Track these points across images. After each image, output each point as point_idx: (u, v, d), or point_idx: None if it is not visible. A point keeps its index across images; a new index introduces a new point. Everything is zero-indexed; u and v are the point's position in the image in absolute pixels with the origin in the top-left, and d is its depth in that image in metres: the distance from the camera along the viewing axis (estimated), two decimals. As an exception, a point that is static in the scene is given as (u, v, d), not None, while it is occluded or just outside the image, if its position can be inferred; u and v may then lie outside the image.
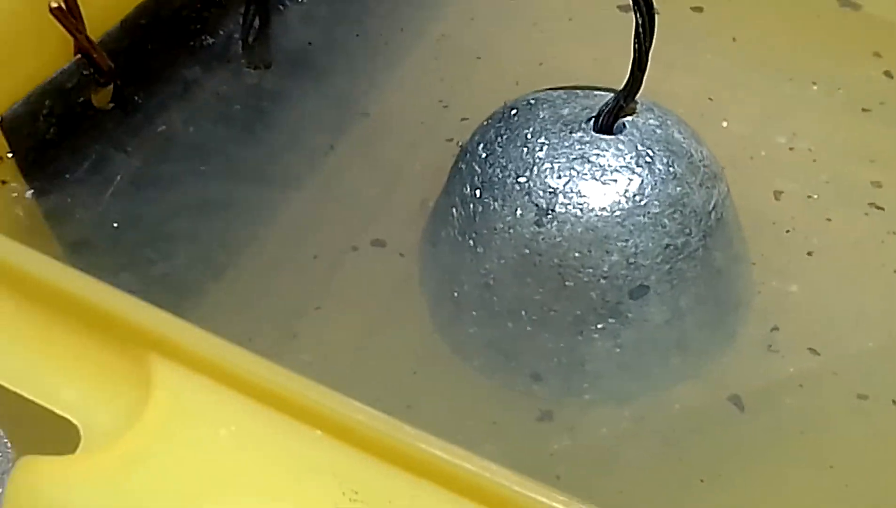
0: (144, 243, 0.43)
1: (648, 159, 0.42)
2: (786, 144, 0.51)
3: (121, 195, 0.44)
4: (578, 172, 0.41)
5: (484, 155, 0.44)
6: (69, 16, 0.42)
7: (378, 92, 0.52)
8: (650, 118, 0.44)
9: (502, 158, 0.43)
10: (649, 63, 0.40)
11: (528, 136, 0.43)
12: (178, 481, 0.29)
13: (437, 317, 0.45)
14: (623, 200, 0.41)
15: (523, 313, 0.43)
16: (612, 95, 0.45)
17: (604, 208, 0.41)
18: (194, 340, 0.30)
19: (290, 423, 0.30)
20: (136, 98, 0.47)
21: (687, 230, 0.42)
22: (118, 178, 0.44)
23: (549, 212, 0.41)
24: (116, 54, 0.45)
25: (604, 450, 0.41)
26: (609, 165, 0.41)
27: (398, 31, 0.55)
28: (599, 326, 0.42)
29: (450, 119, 0.51)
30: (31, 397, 0.31)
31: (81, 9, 0.43)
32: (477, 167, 0.44)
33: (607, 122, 0.43)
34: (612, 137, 0.42)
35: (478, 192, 0.43)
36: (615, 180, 0.41)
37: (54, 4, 0.41)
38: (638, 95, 0.42)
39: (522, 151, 0.43)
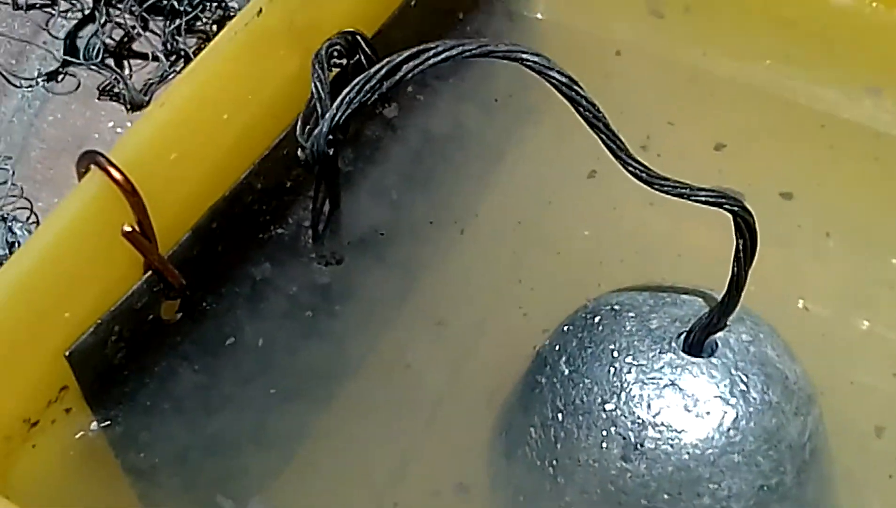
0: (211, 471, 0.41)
1: (743, 388, 0.39)
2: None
3: (188, 418, 0.42)
4: (669, 403, 0.39)
5: (567, 371, 0.42)
6: (142, 238, 0.40)
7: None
8: (742, 333, 0.41)
9: (587, 377, 0.41)
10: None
11: (615, 353, 0.41)
12: None
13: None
14: (717, 435, 0.39)
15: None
16: (700, 299, 0.42)
17: (696, 445, 0.38)
18: None
19: None
20: (205, 303, 0.45)
21: (781, 468, 0.39)
22: (185, 401, 0.42)
23: (638, 447, 0.39)
24: (186, 262, 0.43)
25: None
26: (702, 395, 0.39)
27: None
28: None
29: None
30: None
31: (152, 220, 0.41)
32: (559, 387, 0.42)
33: (699, 339, 0.40)
34: (705, 360, 0.40)
35: (560, 415, 0.41)
36: (708, 412, 0.39)
37: (128, 229, 0.39)
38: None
39: (609, 371, 0.41)
